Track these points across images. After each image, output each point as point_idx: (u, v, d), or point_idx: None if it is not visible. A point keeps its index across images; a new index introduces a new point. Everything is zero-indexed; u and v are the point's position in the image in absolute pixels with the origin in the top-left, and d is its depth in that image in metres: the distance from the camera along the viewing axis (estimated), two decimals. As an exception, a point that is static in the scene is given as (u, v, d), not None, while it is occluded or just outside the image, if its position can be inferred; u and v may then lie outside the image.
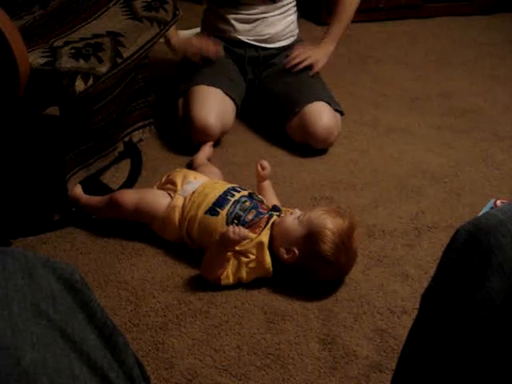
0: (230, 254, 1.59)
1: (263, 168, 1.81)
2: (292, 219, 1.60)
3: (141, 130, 2.06)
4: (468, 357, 0.74)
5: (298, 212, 1.63)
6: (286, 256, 1.58)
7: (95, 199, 1.82)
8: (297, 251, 1.56)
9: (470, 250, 0.78)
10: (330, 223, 1.54)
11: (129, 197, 1.76)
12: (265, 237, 1.60)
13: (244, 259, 1.58)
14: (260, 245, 1.59)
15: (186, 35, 2.96)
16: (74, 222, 1.82)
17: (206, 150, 2.11)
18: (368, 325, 1.49)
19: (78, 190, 1.83)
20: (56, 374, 0.60)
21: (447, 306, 0.79)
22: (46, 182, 1.79)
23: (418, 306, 0.88)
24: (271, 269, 1.58)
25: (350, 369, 1.37)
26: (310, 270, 1.58)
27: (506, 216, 0.77)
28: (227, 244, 1.55)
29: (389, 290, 1.60)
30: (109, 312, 0.75)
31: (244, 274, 1.57)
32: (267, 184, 1.84)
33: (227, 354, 1.40)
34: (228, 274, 1.57)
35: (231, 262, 1.58)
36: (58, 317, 0.65)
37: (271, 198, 1.79)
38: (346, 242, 1.54)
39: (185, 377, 1.34)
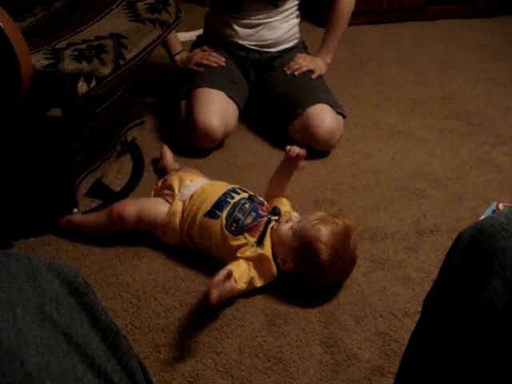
0: (236, 262, 1.56)
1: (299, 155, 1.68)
2: (286, 229, 1.58)
3: (134, 129, 2.07)
4: (470, 361, 0.74)
5: (293, 218, 1.61)
6: (282, 267, 1.58)
7: (92, 216, 1.79)
8: (292, 263, 1.56)
9: (472, 254, 0.78)
10: (322, 235, 1.51)
11: (130, 209, 1.72)
12: (267, 249, 1.58)
13: (251, 264, 1.56)
14: (264, 258, 1.57)
15: (187, 37, 2.97)
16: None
17: (168, 152, 2.09)
18: (370, 328, 1.49)
19: (70, 216, 1.80)
20: (60, 377, 0.60)
21: (449, 309, 0.79)
22: (51, 183, 1.79)
23: (419, 309, 0.88)
24: (277, 274, 1.58)
25: (352, 372, 1.37)
26: (307, 278, 1.57)
27: (508, 220, 0.76)
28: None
29: (391, 293, 1.60)
30: (110, 314, 0.75)
31: (254, 277, 1.55)
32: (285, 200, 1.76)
33: (229, 356, 1.40)
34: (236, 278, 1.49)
35: (240, 267, 1.53)
36: (61, 320, 0.65)
37: (282, 192, 1.75)
38: (340, 251, 1.51)
39: (186, 379, 1.34)
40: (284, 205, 1.73)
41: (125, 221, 1.72)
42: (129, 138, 2.06)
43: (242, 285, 1.50)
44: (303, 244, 1.53)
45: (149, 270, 1.66)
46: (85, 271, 1.64)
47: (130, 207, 1.74)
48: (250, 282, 1.55)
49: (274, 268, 1.57)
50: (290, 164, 1.71)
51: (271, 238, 1.60)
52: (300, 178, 2.07)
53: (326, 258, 1.50)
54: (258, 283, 1.57)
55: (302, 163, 1.71)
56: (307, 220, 1.56)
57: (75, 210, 1.82)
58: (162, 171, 2.04)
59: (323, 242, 1.50)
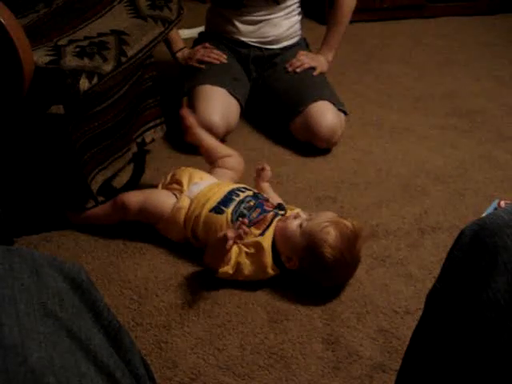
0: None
1: (263, 169, 1.79)
2: (295, 227, 1.57)
3: (152, 130, 2.07)
4: (473, 357, 0.74)
5: (301, 216, 1.60)
6: (287, 264, 1.58)
7: (98, 207, 1.80)
8: (297, 262, 1.56)
9: (475, 251, 0.78)
10: (330, 238, 1.50)
11: (134, 198, 1.73)
12: (267, 240, 1.58)
13: (244, 248, 1.58)
14: (259, 246, 1.57)
15: (188, 34, 2.96)
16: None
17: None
18: (371, 325, 1.49)
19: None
20: (63, 373, 0.60)
21: (452, 306, 0.79)
22: (63, 180, 1.79)
23: (421, 306, 0.88)
24: (271, 273, 1.57)
25: (353, 369, 1.37)
26: (311, 277, 1.57)
27: (511, 217, 0.76)
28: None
29: (392, 291, 1.60)
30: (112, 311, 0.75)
31: (243, 262, 1.56)
32: (267, 185, 1.82)
33: (230, 353, 1.40)
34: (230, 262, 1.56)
35: (234, 249, 1.57)
36: (64, 316, 0.65)
37: (274, 198, 1.78)
38: (346, 255, 1.51)
39: (188, 376, 1.34)
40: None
41: (128, 209, 1.73)
42: (147, 140, 2.05)
43: (228, 268, 1.55)
44: (310, 245, 1.52)
45: (151, 267, 1.66)
46: (87, 268, 1.63)
47: (136, 196, 1.75)
48: (238, 267, 1.56)
49: (268, 263, 1.56)
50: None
51: (277, 233, 1.60)
52: (301, 175, 2.08)
53: (332, 261, 1.50)
54: (246, 271, 1.56)
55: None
56: (317, 221, 1.55)
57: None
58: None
59: (331, 246, 1.50)
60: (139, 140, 2.02)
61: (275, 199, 1.77)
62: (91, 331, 0.68)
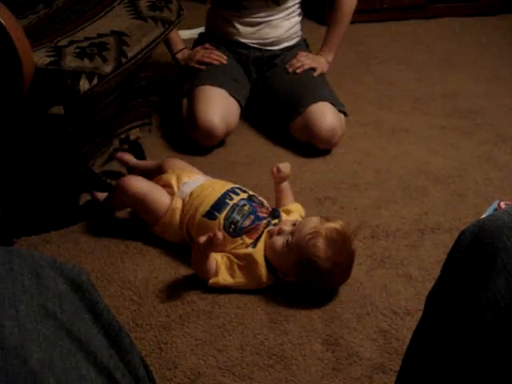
0: (222, 253, 1.58)
1: (278, 171, 1.73)
2: (281, 245, 1.55)
3: (138, 129, 2.06)
4: (472, 358, 0.74)
5: (285, 229, 1.56)
6: (284, 279, 1.57)
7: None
8: (293, 276, 1.56)
9: (474, 252, 0.78)
10: (320, 252, 1.48)
11: (136, 184, 1.72)
12: (259, 252, 1.57)
13: (235, 260, 1.57)
14: (251, 259, 1.57)
15: (188, 35, 2.97)
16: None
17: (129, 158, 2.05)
18: (371, 326, 1.49)
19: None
20: (63, 374, 0.60)
21: (452, 307, 0.79)
22: (61, 178, 1.80)
23: (421, 307, 0.88)
24: (267, 283, 1.57)
25: (353, 370, 1.37)
26: (310, 286, 1.57)
27: (510, 218, 0.76)
28: (207, 247, 1.52)
29: (392, 291, 1.60)
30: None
31: (236, 274, 1.56)
32: (285, 186, 1.77)
33: (230, 354, 1.40)
34: (219, 272, 1.56)
35: (224, 260, 1.57)
36: (64, 317, 0.65)
37: (286, 200, 1.77)
38: (339, 259, 1.50)
39: (188, 377, 1.34)
40: (294, 211, 1.74)
41: (126, 191, 1.71)
42: (132, 137, 2.05)
43: (218, 279, 1.56)
44: (301, 261, 1.51)
45: (151, 268, 1.66)
46: (86, 269, 1.63)
47: (141, 182, 1.73)
48: (231, 279, 1.56)
49: (262, 275, 1.56)
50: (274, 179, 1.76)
51: (266, 249, 1.58)
52: (301, 175, 2.08)
53: (327, 270, 1.50)
54: (241, 283, 1.56)
55: (283, 174, 1.74)
56: (302, 233, 1.52)
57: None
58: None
59: (321, 258, 1.48)
60: (123, 136, 2.01)
61: (288, 201, 1.76)
62: (91, 332, 0.68)
